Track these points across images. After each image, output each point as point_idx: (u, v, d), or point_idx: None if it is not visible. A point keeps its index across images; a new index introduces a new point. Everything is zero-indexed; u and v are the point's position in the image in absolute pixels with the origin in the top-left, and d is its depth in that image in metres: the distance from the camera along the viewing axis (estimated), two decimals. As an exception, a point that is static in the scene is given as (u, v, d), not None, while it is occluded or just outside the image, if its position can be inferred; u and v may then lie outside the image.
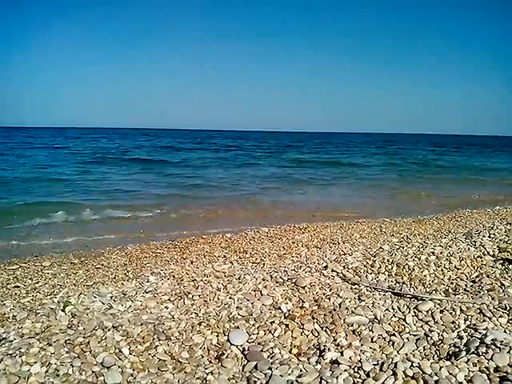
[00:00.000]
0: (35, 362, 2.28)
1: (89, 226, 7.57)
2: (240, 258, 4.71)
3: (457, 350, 2.29)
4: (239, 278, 3.52)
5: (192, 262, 4.62)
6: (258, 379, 2.12)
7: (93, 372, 2.23)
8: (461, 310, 2.74)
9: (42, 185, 12.46)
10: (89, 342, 2.47)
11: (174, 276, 3.84)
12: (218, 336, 2.58)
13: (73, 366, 2.27)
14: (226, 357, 2.39)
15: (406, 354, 2.32)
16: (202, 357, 2.40)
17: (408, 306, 2.85)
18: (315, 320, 2.70)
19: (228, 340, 2.53)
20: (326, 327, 2.62)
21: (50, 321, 2.78)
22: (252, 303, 2.99)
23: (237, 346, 2.47)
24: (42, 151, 26.93)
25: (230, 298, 3.09)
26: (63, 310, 2.95)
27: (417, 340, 2.46)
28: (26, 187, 11.78)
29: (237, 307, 2.93)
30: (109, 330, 2.61)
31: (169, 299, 3.13)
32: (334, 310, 2.82)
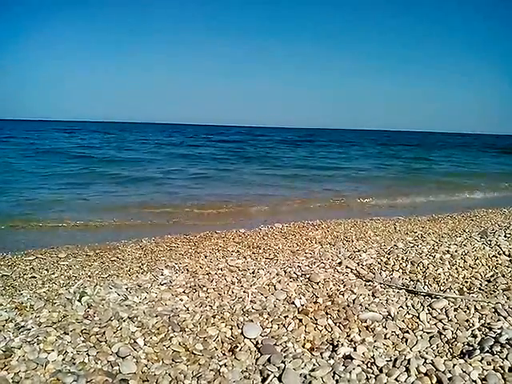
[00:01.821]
0: (52, 350, 2.32)
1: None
2: (253, 253, 4.73)
3: (471, 348, 2.28)
4: (253, 273, 3.54)
5: (206, 256, 4.65)
6: (272, 372, 2.13)
7: (108, 361, 2.26)
8: (475, 308, 2.73)
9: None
10: (104, 332, 2.51)
11: (188, 270, 3.88)
12: (231, 329, 2.60)
13: (89, 355, 2.30)
14: (240, 350, 2.41)
15: (419, 351, 2.31)
16: (216, 349, 2.42)
17: (422, 304, 2.85)
18: (329, 315, 2.71)
19: (242, 333, 2.55)
20: (340, 323, 2.63)
21: (67, 311, 2.83)
22: (266, 297, 3.01)
23: (250, 340, 2.49)
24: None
25: (244, 291, 3.11)
26: (79, 301, 2.99)
27: (430, 338, 2.46)
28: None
29: (251, 301, 2.95)
30: (124, 320, 2.65)
31: (183, 292, 3.16)
32: (348, 306, 2.82)
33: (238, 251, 4.89)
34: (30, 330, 2.56)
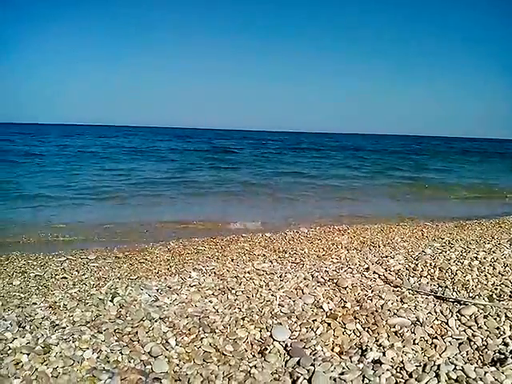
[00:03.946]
0: (87, 348, 2.40)
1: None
2: (279, 257, 4.77)
3: (502, 356, 2.26)
4: (280, 276, 3.56)
5: (232, 260, 4.71)
6: (301, 374, 2.16)
7: (141, 360, 2.32)
8: (506, 316, 2.70)
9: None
10: (137, 332, 2.56)
11: (215, 273, 3.92)
12: (261, 331, 2.63)
13: (122, 354, 2.36)
14: (269, 352, 2.43)
15: (449, 358, 2.30)
16: (246, 351, 2.45)
17: (451, 310, 2.84)
18: (357, 320, 2.72)
19: (271, 336, 2.58)
20: (368, 328, 2.63)
21: (100, 310, 2.90)
22: (294, 301, 3.02)
23: (279, 342, 2.52)
24: None
25: (272, 295, 3.14)
26: (111, 301, 3.06)
27: (459, 344, 2.44)
28: None
29: (279, 304, 2.98)
30: (156, 321, 2.71)
31: (213, 294, 3.20)
32: (376, 311, 2.82)
33: (264, 255, 4.93)
34: (64, 328, 2.65)
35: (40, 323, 2.72)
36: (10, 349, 2.37)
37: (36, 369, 2.21)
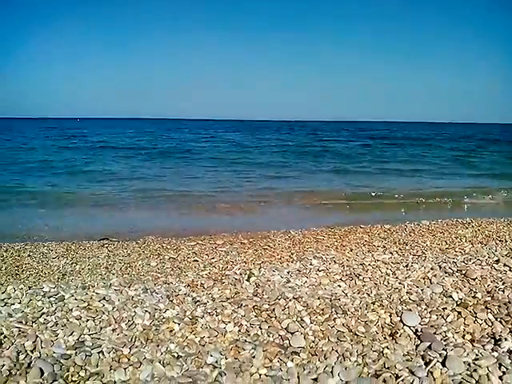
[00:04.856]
0: (229, 322, 2.66)
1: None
2: (400, 249, 4.77)
3: None
4: (407, 266, 3.60)
5: (351, 250, 4.80)
6: (434, 357, 2.23)
7: (279, 335, 2.52)
8: None
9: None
10: (274, 309, 2.78)
11: (335, 261, 4.03)
12: (390, 316, 2.72)
13: (261, 329, 2.59)
14: (400, 335, 2.52)
15: None
16: (377, 333, 2.56)
17: None
18: (489, 310, 2.71)
19: (401, 320, 2.66)
20: (501, 318, 2.61)
21: (237, 289, 3.17)
22: (422, 290, 3.06)
23: (409, 327, 2.59)
24: None
25: (400, 283, 3.20)
26: (248, 280, 3.32)
27: None
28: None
29: (407, 292, 3.04)
30: (290, 300, 2.91)
31: (340, 279, 3.34)
32: (509, 302, 2.78)
33: (383, 246, 4.96)
34: (206, 303, 2.94)
35: (183, 298, 3.03)
36: (163, 318, 2.70)
37: (186, 337, 2.51)
